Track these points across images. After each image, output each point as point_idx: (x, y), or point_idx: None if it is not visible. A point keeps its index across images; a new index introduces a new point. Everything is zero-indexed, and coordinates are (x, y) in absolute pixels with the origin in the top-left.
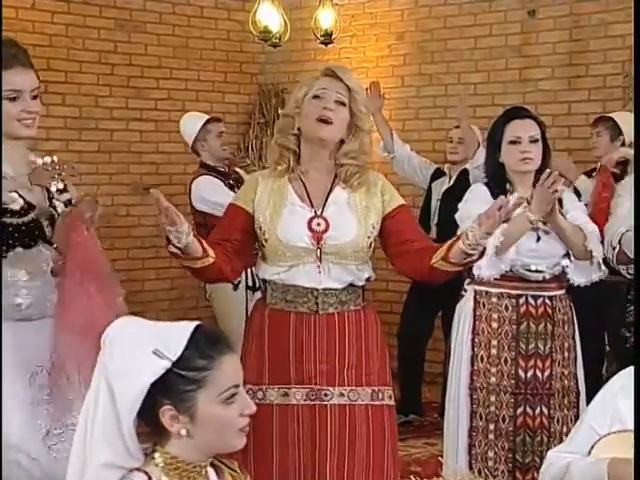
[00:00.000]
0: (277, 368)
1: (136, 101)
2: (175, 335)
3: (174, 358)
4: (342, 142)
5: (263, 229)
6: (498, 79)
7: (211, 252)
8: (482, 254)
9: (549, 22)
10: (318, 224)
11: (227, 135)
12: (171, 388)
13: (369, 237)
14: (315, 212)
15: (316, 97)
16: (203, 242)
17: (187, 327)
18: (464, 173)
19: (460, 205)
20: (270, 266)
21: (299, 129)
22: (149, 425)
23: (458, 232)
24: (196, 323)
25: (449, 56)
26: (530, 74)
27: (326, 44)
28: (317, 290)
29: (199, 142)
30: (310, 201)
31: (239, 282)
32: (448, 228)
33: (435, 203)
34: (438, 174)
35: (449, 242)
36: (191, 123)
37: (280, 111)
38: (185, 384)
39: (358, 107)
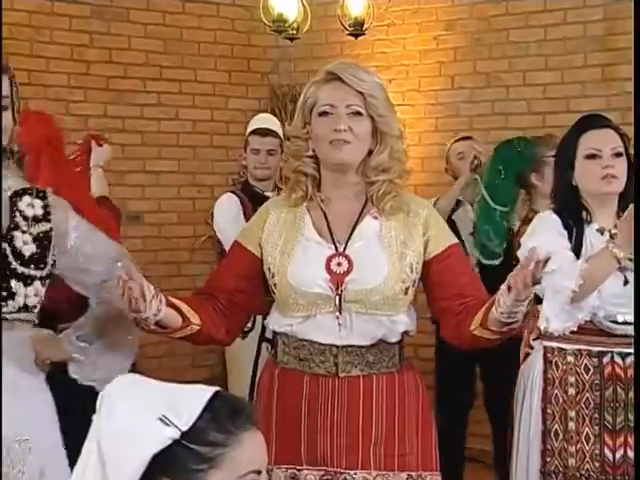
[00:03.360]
0: (286, 443)
1: (117, 107)
2: (188, 400)
3: (184, 428)
4: (370, 153)
5: (272, 271)
6: (574, 79)
7: (195, 318)
8: (525, 318)
9: None
10: (338, 264)
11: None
12: (176, 464)
13: (403, 282)
14: (336, 249)
15: (324, 114)
16: (183, 308)
17: (204, 392)
18: None
19: (523, 239)
20: (282, 316)
21: (314, 151)
22: None
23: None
24: (215, 389)
25: (512, 50)
26: (615, 72)
27: (356, 36)
28: (337, 347)
29: (244, 152)
30: (331, 235)
31: (249, 329)
32: (493, 268)
33: (468, 239)
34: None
35: (487, 304)
36: (249, 126)
37: (287, 128)
38: (194, 461)
39: (378, 112)
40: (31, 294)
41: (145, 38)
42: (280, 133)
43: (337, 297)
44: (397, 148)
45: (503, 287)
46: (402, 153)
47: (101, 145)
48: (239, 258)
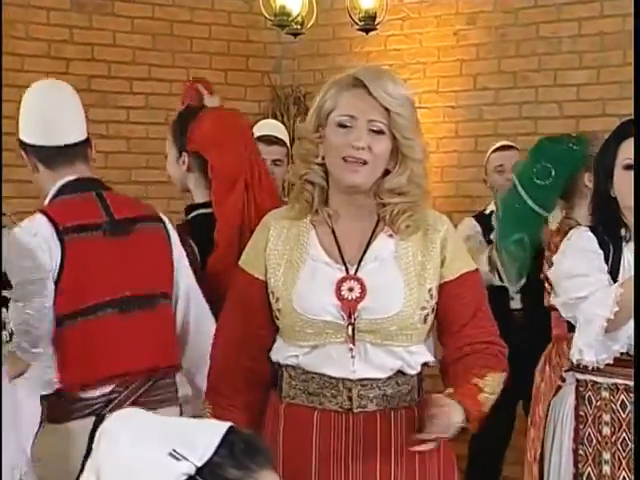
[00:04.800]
0: None
1: (100, 110)
2: (201, 435)
3: (199, 463)
4: (386, 172)
5: (276, 295)
6: (612, 79)
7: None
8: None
9: None
10: (350, 289)
11: None
12: None
13: (424, 308)
14: (347, 271)
15: (342, 126)
16: None
17: (217, 427)
18: None
19: (555, 258)
20: (286, 345)
21: (324, 158)
22: None
23: (552, 298)
24: (228, 424)
25: (541, 46)
26: None
27: (367, 31)
28: (350, 381)
29: None
30: (341, 255)
31: None
32: (536, 292)
33: None
34: (484, 222)
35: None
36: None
37: (297, 126)
38: None
39: (403, 133)
40: None
41: (131, 33)
42: (287, 141)
43: (350, 326)
44: (418, 172)
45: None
46: (423, 177)
47: (211, 93)
48: (248, 291)
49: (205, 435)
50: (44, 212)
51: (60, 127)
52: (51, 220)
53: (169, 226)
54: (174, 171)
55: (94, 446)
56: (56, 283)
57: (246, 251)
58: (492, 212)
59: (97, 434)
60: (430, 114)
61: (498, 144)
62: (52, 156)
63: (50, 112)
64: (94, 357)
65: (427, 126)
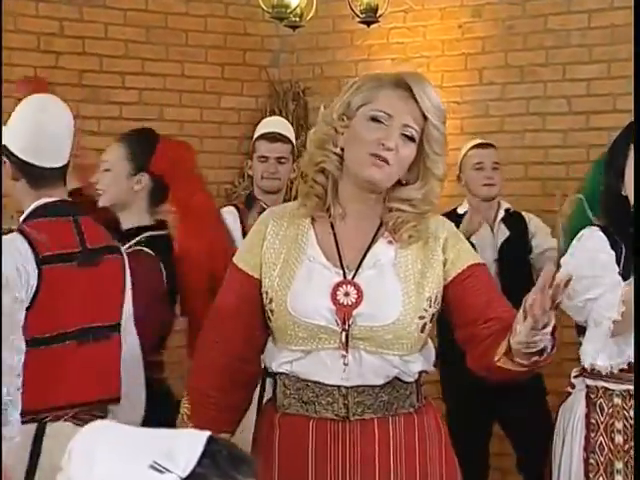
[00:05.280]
0: None
1: (91, 106)
2: (181, 445)
3: (184, 474)
4: (399, 182)
5: (269, 295)
6: (623, 73)
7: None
8: (553, 348)
9: None
10: (346, 294)
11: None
12: None
13: (422, 317)
14: (344, 275)
15: (375, 120)
16: None
17: (197, 435)
18: (511, 214)
19: (564, 259)
20: (278, 350)
21: (342, 149)
22: None
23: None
24: (207, 433)
25: (550, 39)
26: None
27: (369, 23)
28: (346, 388)
29: (250, 160)
30: (339, 258)
31: None
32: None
33: (490, 263)
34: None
35: (511, 328)
36: (257, 130)
37: (321, 111)
38: None
39: (433, 146)
40: None
41: (124, 26)
42: (292, 139)
43: (343, 333)
44: (435, 190)
45: (519, 313)
46: (436, 195)
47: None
48: (243, 290)
49: (185, 445)
50: (25, 235)
51: (53, 150)
52: (32, 246)
53: (125, 258)
54: (118, 185)
55: (63, 464)
56: (27, 308)
57: (241, 248)
58: (467, 212)
59: (67, 450)
60: None
61: (475, 142)
62: (38, 176)
63: (47, 134)
64: (51, 384)
65: None
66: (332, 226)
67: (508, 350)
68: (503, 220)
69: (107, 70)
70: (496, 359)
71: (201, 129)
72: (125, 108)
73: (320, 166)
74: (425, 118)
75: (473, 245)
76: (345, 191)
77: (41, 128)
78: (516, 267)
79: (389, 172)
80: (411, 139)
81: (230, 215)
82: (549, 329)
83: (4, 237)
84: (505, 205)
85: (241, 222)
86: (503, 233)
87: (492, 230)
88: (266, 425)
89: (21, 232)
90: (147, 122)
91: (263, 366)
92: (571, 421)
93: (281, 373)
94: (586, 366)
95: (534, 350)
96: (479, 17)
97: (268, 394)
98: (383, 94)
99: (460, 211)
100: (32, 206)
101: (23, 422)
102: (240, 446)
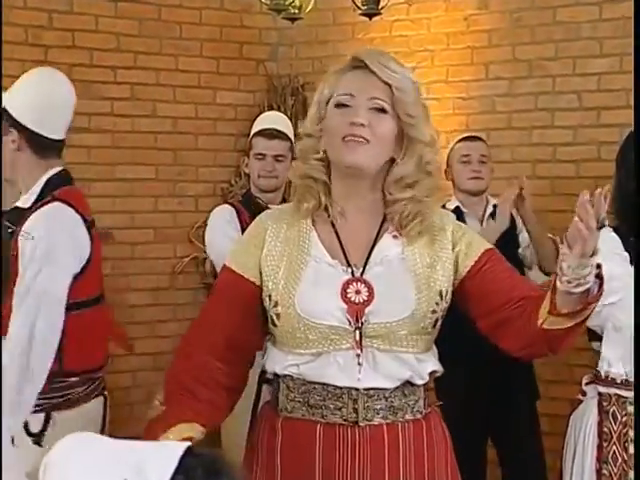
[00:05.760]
0: None
1: (82, 102)
2: (156, 459)
3: None
4: (392, 161)
5: (274, 299)
6: None
7: (197, 432)
8: (601, 286)
9: None
10: (357, 292)
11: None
12: None
13: (434, 312)
14: (352, 273)
15: (340, 105)
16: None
17: (173, 449)
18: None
19: None
20: (284, 354)
21: (325, 152)
22: None
23: None
24: (185, 444)
25: (559, 32)
26: None
27: (371, 16)
28: (356, 391)
29: (246, 158)
30: (345, 256)
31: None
32: None
33: None
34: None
35: (550, 286)
36: (254, 126)
37: (301, 125)
38: None
39: (407, 110)
40: None
41: (115, 18)
42: (291, 135)
43: (357, 331)
44: (427, 158)
45: (564, 250)
46: (433, 164)
47: None
48: (235, 292)
49: (159, 460)
50: (68, 203)
51: (61, 122)
52: (78, 212)
53: None
54: None
55: (40, 477)
56: (79, 273)
57: (235, 250)
58: (457, 207)
59: (43, 463)
60: (439, 106)
61: (463, 135)
62: (46, 146)
63: (57, 106)
64: (96, 344)
65: (435, 119)
66: (333, 225)
67: (553, 306)
68: (492, 216)
69: (98, 64)
70: (540, 322)
71: (196, 126)
72: (116, 104)
73: (306, 174)
74: (389, 85)
75: None
76: (338, 189)
77: (51, 100)
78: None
79: (369, 152)
80: (382, 111)
81: (227, 214)
82: (596, 258)
83: (47, 208)
84: (493, 201)
85: (240, 221)
86: (505, 224)
87: (481, 226)
88: (266, 429)
89: (63, 201)
90: (139, 118)
91: (260, 370)
92: (582, 430)
93: (285, 375)
94: (601, 372)
95: (583, 289)
96: (485, 9)
97: (264, 399)
98: (343, 79)
99: (449, 207)
100: (46, 175)
101: (96, 395)
102: (231, 451)
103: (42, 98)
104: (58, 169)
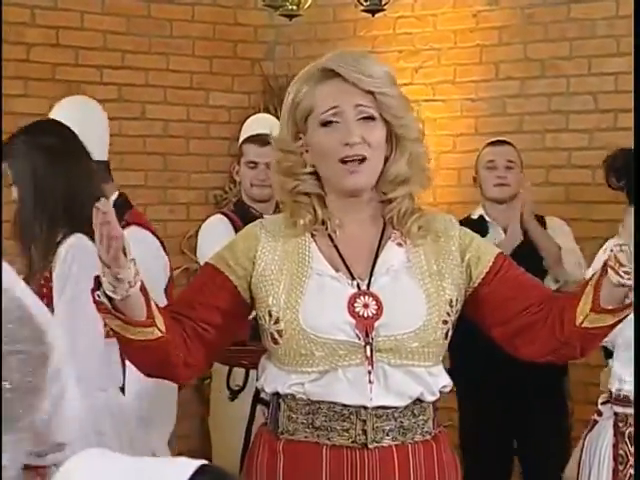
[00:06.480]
0: None
1: None
2: (169, 475)
3: None
4: (385, 160)
5: (275, 315)
6: None
7: (160, 322)
8: None
9: None
10: (365, 305)
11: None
12: None
13: (445, 322)
14: (358, 286)
15: (327, 124)
16: (152, 303)
17: (185, 467)
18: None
19: (589, 273)
20: (287, 373)
21: (313, 166)
22: None
23: None
24: (199, 462)
25: (573, 30)
26: None
27: (373, 12)
28: (366, 409)
29: (237, 164)
30: (348, 269)
31: (240, 389)
32: None
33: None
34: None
35: (591, 283)
36: (243, 130)
37: (272, 138)
38: None
39: (394, 113)
40: None
41: (102, 15)
42: None
43: (367, 346)
44: (417, 152)
45: (621, 241)
46: (423, 157)
47: None
48: (216, 286)
49: (172, 474)
50: (144, 226)
51: (106, 143)
52: (156, 236)
53: None
54: None
55: None
56: None
57: (221, 253)
58: (481, 216)
59: (56, 477)
60: (445, 108)
61: (492, 139)
62: (106, 170)
63: (103, 129)
64: None
65: (442, 122)
66: (331, 238)
67: (596, 304)
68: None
69: (83, 63)
70: (580, 321)
71: (187, 129)
72: (103, 106)
73: (297, 190)
74: (370, 92)
75: None
76: (334, 203)
77: (101, 125)
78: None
79: (369, 170)
80: (371, 118)
81: (220, 226)
82: None
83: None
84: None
85: (235, 231)
86: (518, 238)
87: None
88: (265, 453)
89: (138, 224)
90: (128, 121)
91: (255, 390)
92: (598, 452)
93: (287, 395)
94: (613, 390)
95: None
96: (495, 5)
97: (258, 427)
98: (318, 93)
99: (474, 216)
100: (112, 198)
101: None
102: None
103: (93, 126)
104: (116, 193)
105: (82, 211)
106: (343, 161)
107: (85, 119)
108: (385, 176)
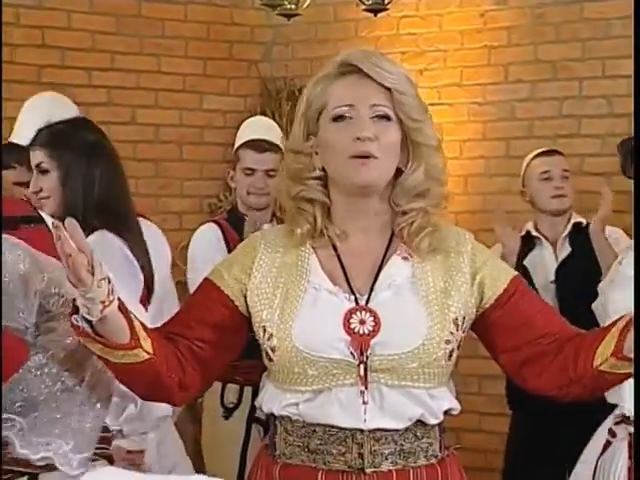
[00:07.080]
0: None
1: None
2: None
3: None
4: (398, 172)
5: (269, 331)
6: None
7: (147, 344)
8: None
9: None
10: (361, 322)
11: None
12: None
13: (449, 342)
14: (356, 301)
15: (339, 118)
16: (135, 322)
17: None
18: (580, 229)
19: (602, 286)
20: (282, 392)
21: (323, 169)
22: None
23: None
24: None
25: (586, 30)
26: None
27: (376, 11)
28: (362, 432)
29: (232, 170)
30: (348, 283)
31: (235, 406)
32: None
33: (549, 288)
34: (527, 243)
35: (618, 326)
36: (240, 134)
37: (286, 143)
38: None
39: (410, 114)
40: None
41: (90, 14)
42: (282, 146)
43: (362, 366)
44: (434, 163)
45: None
46: (441, 171)
47: None
48: (212, 302)
49: None
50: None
51: None
52: None
53: None
54: None
55: None
56: None
57: (219, 268)
58: (528, 232)
59: None
60: (452, 112)
61: (540, 150)
62: None
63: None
64: None
65: (448, 126)
66: (334, 248)
67: (618, 349)
68: (568, 235)
69: (70, 65)
70: (597, 363)
71: (180, 134)
72: (92, 110)
73: (301, 196)
74: (389, 90)
75: (525, 268)
76: (340, 210)
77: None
78: (577, 289)
79: (380, 166)
80: (386, 118)
81: (210, 235)
82: None
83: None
84: (576, 218)
85: (225, 240)
86: (565, 250)
87: (554, 248)
88: (263, 476)
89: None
90: (117, 126)
91: (250, 408)
92: (612, 475)
93: (283, 417)
94: (625, 411)
95: None
96: (504, 4)
97: (253, 446)
98: (335, 88)
99: (522, 232)
100: None
101: None
102: None
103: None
104: None
105: (115, 207)
106: (353, 157)
107: (54, 115)
108: (400, 187)
